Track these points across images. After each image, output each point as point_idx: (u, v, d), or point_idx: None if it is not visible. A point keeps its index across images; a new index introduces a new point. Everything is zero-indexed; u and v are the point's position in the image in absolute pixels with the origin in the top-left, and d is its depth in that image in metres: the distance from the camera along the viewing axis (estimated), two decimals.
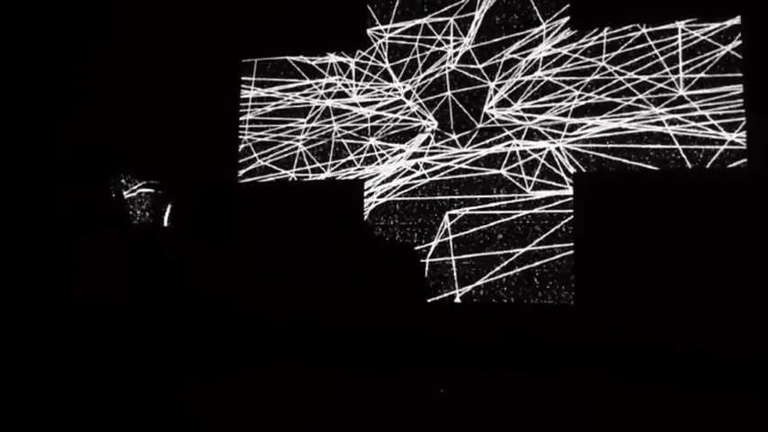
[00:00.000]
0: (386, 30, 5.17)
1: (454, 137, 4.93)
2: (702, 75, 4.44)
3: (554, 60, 4.77)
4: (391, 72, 5.13)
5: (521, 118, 4.78)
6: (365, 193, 5.07)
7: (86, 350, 3.36)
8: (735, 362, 3.96)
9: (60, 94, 5.03)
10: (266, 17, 5.31)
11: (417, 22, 5.10)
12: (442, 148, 4.97)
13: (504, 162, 4.80)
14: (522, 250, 4.68)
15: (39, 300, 3.67)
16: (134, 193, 3.91)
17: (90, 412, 3.18)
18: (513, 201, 4.76)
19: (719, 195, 4.25)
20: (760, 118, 4.24)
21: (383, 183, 5.06)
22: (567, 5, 4.78)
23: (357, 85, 5.20)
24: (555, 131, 4.70)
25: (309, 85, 5.29)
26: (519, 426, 3.28)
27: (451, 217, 4.86)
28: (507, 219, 4.75)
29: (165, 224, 3.88)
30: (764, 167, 4.21)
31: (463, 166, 4.90)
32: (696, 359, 4.05)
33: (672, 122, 4.46)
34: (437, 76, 5.05)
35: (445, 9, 5.06)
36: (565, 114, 4.68)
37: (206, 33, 5.28)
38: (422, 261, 4.79)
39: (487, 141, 4.85)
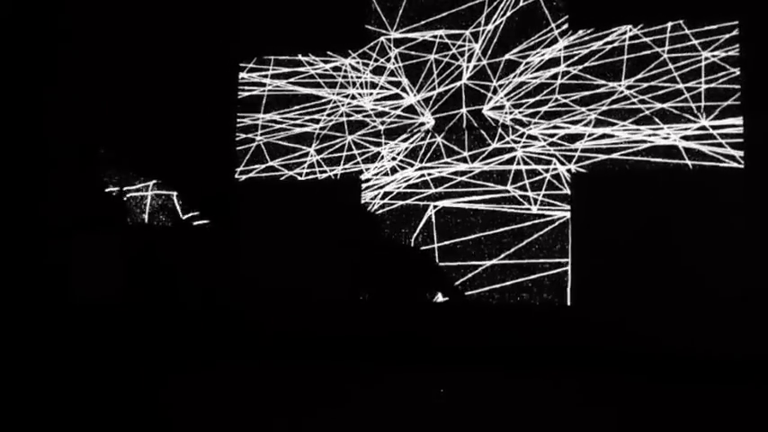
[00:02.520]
0: (391, 37, 5.15)
1: (466, 154, 4.90)
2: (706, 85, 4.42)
3: (558, 70, 4.75)
4: (406, 82, 5.11)
5: (531, 130, 4.75)
6: (372, 195, 5.05)
7: (81, 349, 3.35)
8: (734, 363, 3.95)
9: (58, 93, 5.03)
10: (268, 15, 5.29)
11: (434, 32, 5.08)
12: (451, 163, 4.94)
13: (510, 179, 4.77)
14: (517, 257, 4.67)
15: (34, 298, 3.66)
16: (132, 193, 3.90)
17: (84, 410, 3.17)
18: (508, 198, 4.75)
19: (718, 196, 4.24)
20: (758, 118, 4.23)
21: (384, 185, 5.05)
22: (566, 16, 4.78)
23: (359, 81, 5.18)
24: (566, 146, 4.67)
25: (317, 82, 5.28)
26: (518, 426, 3.27)
27: (440, 213, 4.86)
28: (505, 228, 4.73)
29: (163, 224, 3.87)
30: (763, 168, 4.20)
31: (465, 178, 4.88)
32: (695, 360, 4.04)
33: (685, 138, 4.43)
34: (450, 90, 5.02)
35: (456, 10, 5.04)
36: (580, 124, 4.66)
37: (205, 31, 5.27)
38: (425, 261, 4.78)
39: (497, 158, 4.83)
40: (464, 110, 4.93)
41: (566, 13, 4.72)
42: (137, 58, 5.24)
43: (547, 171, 4.64)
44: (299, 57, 5.41)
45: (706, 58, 4.42)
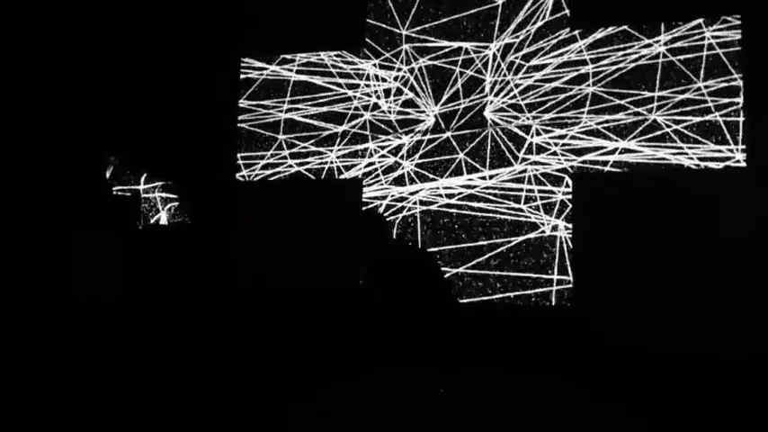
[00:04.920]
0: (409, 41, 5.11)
1: (486, 172, 4.88)
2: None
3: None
4: (426, 90, 5.08)
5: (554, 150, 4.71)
6: (379, 201, 5.04)
7: (82, 350, 3.36)
8: (734, 363, 3.95)
9: (59, 92, 5.04)
10: (271, 14, 5.28)
11: (458, 44, 5.05)
12: (469, 179, 4.92)
13: (523, 198, 4.75)
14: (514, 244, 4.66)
15: (35, 299, 3.66)
16: (134, 193, 3.90)
17: (85, 411, 3.18)
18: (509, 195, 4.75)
19: (718, 196, 4.24)
20: (760, 118, 4.23)
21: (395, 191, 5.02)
22: (569, 27, 4.73)
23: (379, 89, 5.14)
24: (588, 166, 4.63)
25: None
26: (518, 426, 3.27)
27: (444, 219, 4.86)
28: (506, 240, 4.72)
29: (165, 224, 3.87)
30: (764, 168, 4.20)
31: (475, 192, 4.86)
32: (695, 360, 4.03)
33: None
34: (475, 108, 4.99)
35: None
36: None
37: (206, 30, 5.26)
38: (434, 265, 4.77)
39: (514, 176, 4.80)
40: (489, 129, 4.92)
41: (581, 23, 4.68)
42: (140, 58, 5.25)
43: (558, 189, 4.62)
44: (321, 55, 5.44)
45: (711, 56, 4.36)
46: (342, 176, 5.14)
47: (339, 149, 5.16)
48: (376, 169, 5.08)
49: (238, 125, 5.34)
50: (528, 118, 4.81)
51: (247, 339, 4.78)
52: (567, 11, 4.79)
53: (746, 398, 3.50)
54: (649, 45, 4.56)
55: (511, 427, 3.31)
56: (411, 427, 3.35)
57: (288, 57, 5.32)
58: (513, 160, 4.82)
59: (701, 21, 4.46)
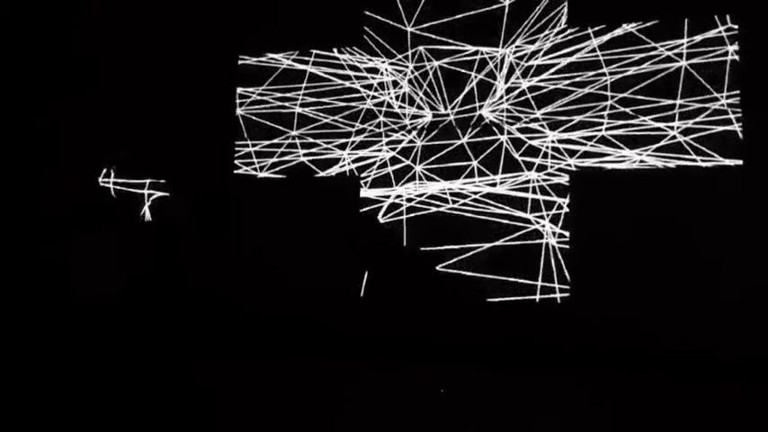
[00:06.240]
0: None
1: (497, 177, 4.86)
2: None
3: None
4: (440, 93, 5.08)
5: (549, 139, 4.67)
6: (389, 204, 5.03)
7: (81, 349, 3.38)
8: (735, 363, 3.87)
9: (58, 90, 5.11)
10: (271, 11, 5.31)
11: (473, 48, 5.04)
12: (478, 185, 4.89)
13: (529, 206, 4.72)
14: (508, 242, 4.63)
15: (33, 297, 3.70)
16: (133, 192, 3.94)
17: (84, 409, 3.19)
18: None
19: (717, 194, 4.20)
20: (757, 117, 4.19)
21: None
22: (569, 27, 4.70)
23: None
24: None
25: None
26: (517, 424, 3.24)
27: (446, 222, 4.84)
28: (506, 240, 4.68)
29: (163, 222, 3.90)
30: (762, 167, 4.15)
31: (479, 195, 4.84)
32: (696, 360, 3.97)
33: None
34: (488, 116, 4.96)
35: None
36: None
37: (204, 28, 5.30)
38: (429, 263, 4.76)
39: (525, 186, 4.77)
40: (504, 137, 4.90)
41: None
42: (137, 54, 5.30)
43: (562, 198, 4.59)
44: (336, 52, 5.44)
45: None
46: (341, 176, 5.13)
47: (338, 146, 5.15)
48: (377, 168, 5.07)
49: (236, 122, 5.35)
50: (537, 118, 4.78)
51: (246, 338, 4.78)
52: (566, 24, 4.78)
53: (747, 398, 3.43)
54: (662, 53, 4.53)
55: (511, 427, 3.27)
56: (411, 428, 3.32)
57: (290, 53, 5.33)
58: (515, 163, 4.79)
59: (721, 29, 4.42)
